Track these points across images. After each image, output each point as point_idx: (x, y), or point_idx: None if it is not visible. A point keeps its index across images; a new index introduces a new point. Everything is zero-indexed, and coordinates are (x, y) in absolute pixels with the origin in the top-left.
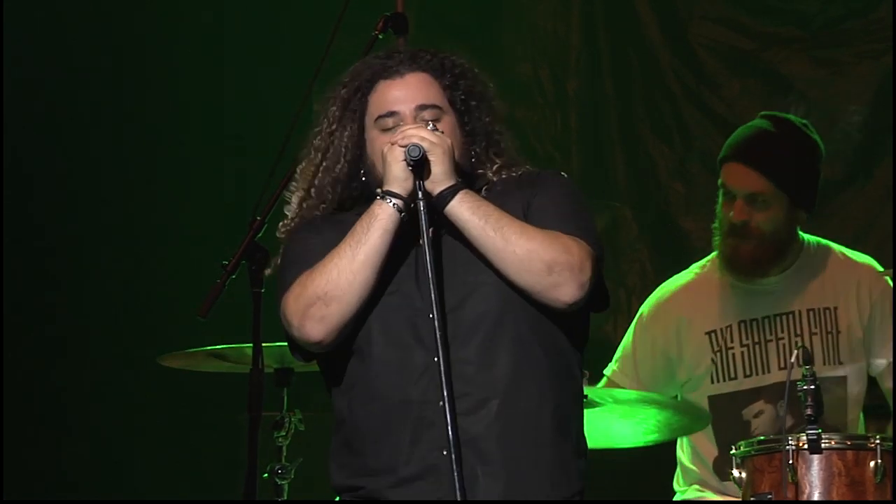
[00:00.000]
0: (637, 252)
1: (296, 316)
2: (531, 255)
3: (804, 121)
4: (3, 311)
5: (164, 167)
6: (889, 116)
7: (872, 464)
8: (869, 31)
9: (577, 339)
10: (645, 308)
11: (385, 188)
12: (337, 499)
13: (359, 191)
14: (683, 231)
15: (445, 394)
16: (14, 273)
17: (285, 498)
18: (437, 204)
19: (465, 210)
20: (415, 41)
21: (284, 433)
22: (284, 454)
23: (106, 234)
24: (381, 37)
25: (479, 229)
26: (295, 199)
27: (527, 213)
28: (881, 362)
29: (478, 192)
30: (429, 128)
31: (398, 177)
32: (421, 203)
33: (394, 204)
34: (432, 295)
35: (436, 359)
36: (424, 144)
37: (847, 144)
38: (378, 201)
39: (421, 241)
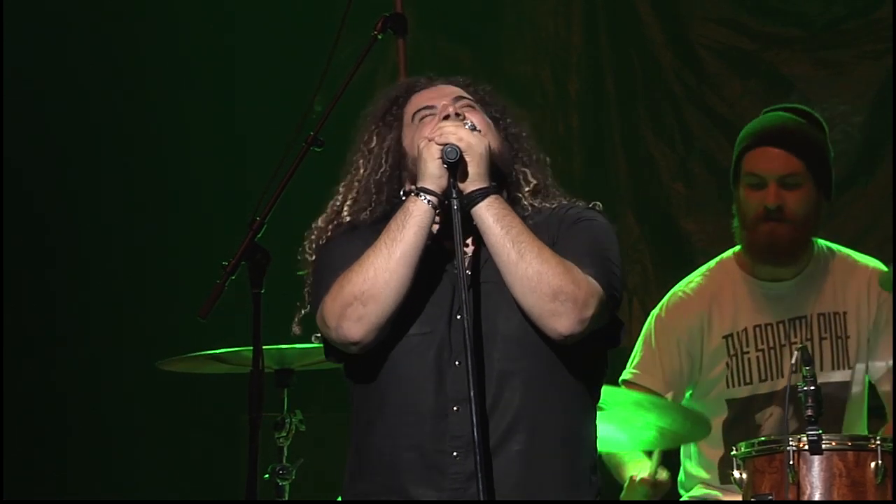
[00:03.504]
0: (638, 253)
1: (334, 317)
2: (540, 277)
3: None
4: (3, 312)
5: (165, 167)
6: (890, 117)
7: (873, 465)
8: (870, 32)
9: (595, 377)
10: (661, 310)
11: (419, 185)
12: (338, 499)
13: (396, 204)
14: (685, 232)
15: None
16: (15, 274)
17: (286, 498)
18: (465, 203)
19: (491, 216)
20: (414, 42)
21: (285, 434)
22: (285, 455)
23: (107, 236)
24: (380, 37)
25: (498, 238)
26: (336, 208)
27: (553, 247)
28: (880, 365)
29: None
30: (467, 126)
31: (433, 174)
32: (454, 202)
33: (428, 200)
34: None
35: (455, 408)
36: (462, 145)
37: (848, 145)
38: (412, 198)
39: (454, 244)
